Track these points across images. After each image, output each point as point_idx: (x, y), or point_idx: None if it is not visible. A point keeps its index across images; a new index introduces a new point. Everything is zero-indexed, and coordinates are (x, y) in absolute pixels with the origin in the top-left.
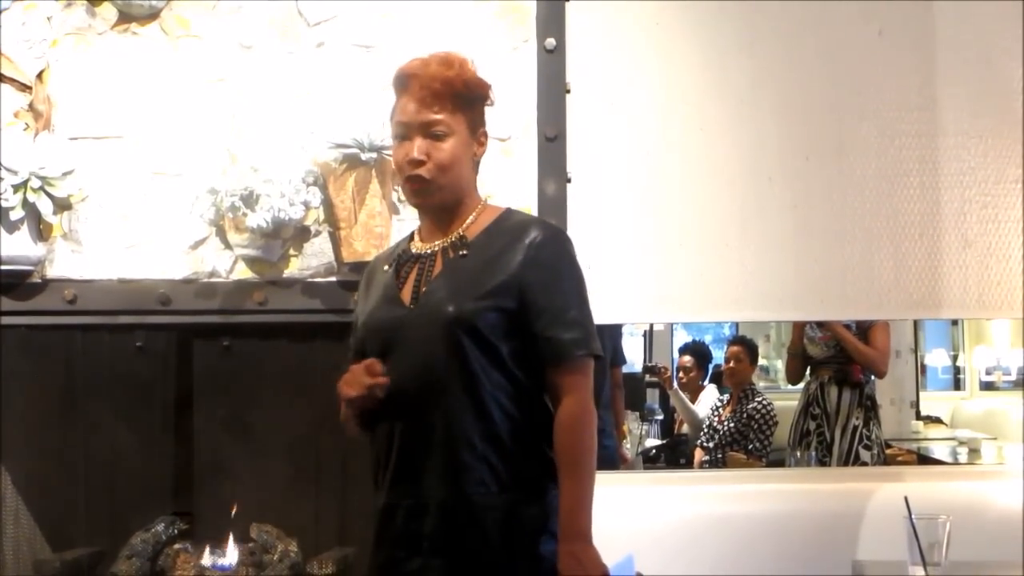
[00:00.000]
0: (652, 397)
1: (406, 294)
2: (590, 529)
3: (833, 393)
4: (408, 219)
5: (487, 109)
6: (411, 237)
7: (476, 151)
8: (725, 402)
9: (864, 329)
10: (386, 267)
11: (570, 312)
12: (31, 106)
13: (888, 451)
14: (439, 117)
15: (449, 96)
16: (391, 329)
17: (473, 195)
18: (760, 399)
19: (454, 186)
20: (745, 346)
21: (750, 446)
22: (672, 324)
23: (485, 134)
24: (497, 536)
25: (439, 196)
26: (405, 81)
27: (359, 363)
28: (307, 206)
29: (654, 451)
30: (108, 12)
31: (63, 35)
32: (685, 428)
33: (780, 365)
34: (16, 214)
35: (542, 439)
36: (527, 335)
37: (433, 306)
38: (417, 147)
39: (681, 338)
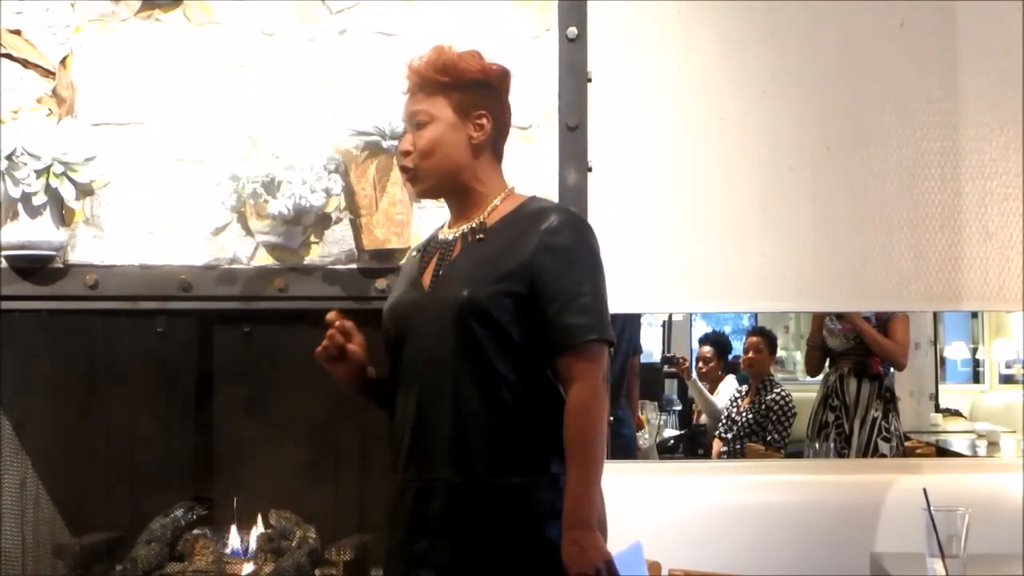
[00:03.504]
0: (671, 387)
1: (426, 278)
2: (594, 516)
3: (852, 385)
4: (429, 207)
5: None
6: (441, 226)
7: (473, 135)
8: (744, 393)
9: (884, 321)
10: (414, 253)
11: (582, 298)
12: (54, 92)
13: (907, 443)
14: (419, 107)
15: (425, 85)
16: (409, 313)
17: (489, 181)
18: (779, 390)
19: (444, 171)
20: (764, 337)
21: (768, 437)
22: (691, 314)
23: (486, 116)
24: (504, 519)
25: (429, 183)
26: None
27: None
28: (328, 193)
29: (672, 441)
30: None
31: (86, 21)
32: (703, 419)
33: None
34: (39, 199)
35: (553, 424)
36: (540, 320)
37: (447, 289)
38: (406, 139)
39: (700, 328)
